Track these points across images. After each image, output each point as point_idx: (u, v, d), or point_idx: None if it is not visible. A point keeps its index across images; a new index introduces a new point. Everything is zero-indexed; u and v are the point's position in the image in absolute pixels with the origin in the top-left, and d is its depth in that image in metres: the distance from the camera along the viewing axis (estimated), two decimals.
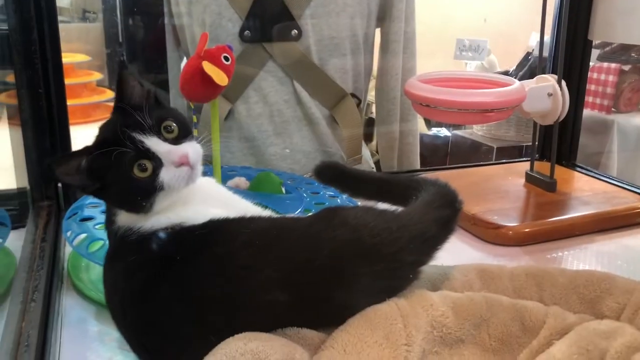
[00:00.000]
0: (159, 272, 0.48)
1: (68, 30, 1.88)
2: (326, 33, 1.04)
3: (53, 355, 0.55)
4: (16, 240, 0.76)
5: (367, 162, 1.20)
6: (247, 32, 1.02)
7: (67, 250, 0.76)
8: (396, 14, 1.12)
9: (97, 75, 1.86)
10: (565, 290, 0.57)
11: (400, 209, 0.57)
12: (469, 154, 2.07)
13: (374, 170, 1.25)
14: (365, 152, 1.22)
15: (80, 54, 1.86)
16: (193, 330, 0.46)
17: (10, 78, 0.84)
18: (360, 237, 0.49)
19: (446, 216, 0.55)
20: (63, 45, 0.84)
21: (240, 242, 0.48)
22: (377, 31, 1.15)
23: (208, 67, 0.66)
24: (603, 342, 0.47)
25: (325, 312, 0.49)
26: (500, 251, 0.82)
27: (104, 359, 0.57)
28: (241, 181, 0.83)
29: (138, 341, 0.49)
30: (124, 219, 0.51)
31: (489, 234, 0.84)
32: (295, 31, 1.03)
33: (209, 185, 0.57)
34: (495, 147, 2.01)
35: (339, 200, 0.79)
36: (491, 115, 0.83)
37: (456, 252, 0.82)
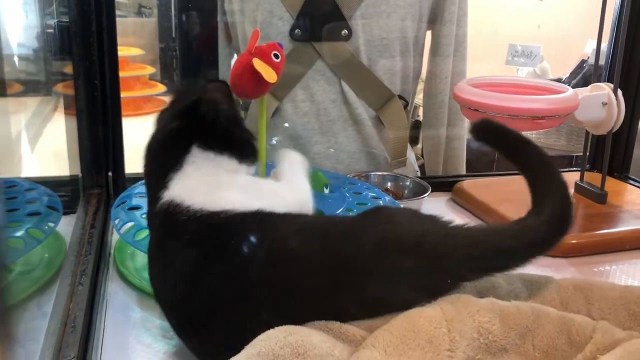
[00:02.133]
0: (212, 251, 0.49)
1: (124, 24, 1.93)
2: (376, 34, 1.04)
3: (97, 337, 0.57)
4: (67, 226, 0.79)
5: (411, 165, 1.19)
6: (297, 31, 1.03)
7: (115, 237, 0.78)
8: (448, 17, 1.10)
9: (150, 69, 1.90)
10: (615, 306, 0.55)
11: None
12: None
13: (418, 174, 1.24)
14: (411, 155, 1.21)
15: (134, 48, 1.90)
16: (239, 310, 0.47)
17: (68, 69, 0.87)
18: (404, 234, 0.49)
19: (512, 247, 0.52)
20: (118, 39, 0.86)
21: (291, 230, 0.50)
22: (428, 34, 1.14)
23: (258, 64, 0.66)
24: None
25: (366, 304, 0.49)
26: (544, 262, 0.80)
27: (144, 344, 0.58)
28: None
29: (185, 317, 0.50)
30: (173, 194, 0.52)
31: None
32: (346, 31, 1.03)
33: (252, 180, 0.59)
34: None
35: (381, 202, 0.79)
36: (542, 122, 0.81)
37: None
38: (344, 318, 0.48)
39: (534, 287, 0.58)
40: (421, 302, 0.50)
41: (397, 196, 0.98)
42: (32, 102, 1.38)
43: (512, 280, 0.59)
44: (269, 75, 0.67)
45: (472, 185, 1.02)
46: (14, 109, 1.38)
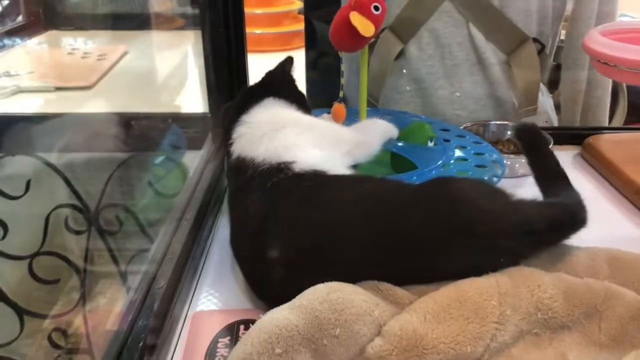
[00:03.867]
0: (271, 211, 0.53)
1: None
2: None
3: (195, 267, 0.64)
4: (194, 159, 0.88)
5: (546, 113, 1.11)
6: None
7: None
8: None
9: (299, 4, 1.95)
10: None
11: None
12: None
13: (554, 123, 1.15)
14: (548, 101, 1.13)
15: None
16: (291, 271, 0.51)
17: None
18: (457, 211, 0.49)
19: (560, 220, 0.53)
20: None
21: (347, 198, 0.53)
22: None
23: (355, 18, 0.67)
24: None
25: (414, 274, 0.51)
26: None
27: (241, 279, 0.63)
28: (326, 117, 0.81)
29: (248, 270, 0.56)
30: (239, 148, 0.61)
31: None
32: None
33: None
34: None
35: (486, 155, 0.76)
36: None
37: (613, 225, 0.76)
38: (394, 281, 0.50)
39: (619, 266, 0.55)
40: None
41: (517, 148, 0.94)
42: (191, 35, 1.50)
43: (595, 256, 0.56)
44: (366, 29, 0.68)
45: (605, 140, 0.94)
46: (177, 41, 1.52)
